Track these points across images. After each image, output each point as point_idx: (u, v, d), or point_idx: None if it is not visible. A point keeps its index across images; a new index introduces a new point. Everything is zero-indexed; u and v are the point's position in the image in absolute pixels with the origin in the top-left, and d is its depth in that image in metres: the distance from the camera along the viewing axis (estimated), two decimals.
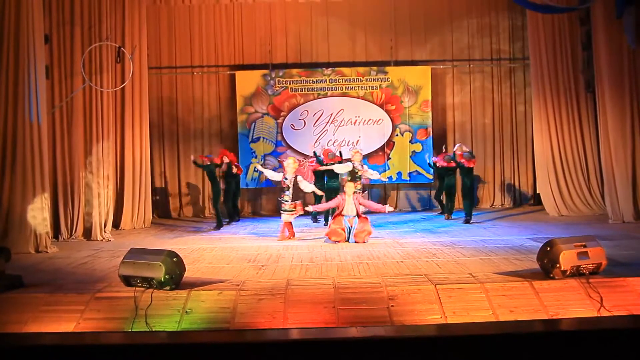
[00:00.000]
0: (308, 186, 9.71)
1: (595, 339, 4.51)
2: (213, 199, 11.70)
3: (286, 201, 9.41)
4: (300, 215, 9.63)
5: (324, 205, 10.17)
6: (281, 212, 9.52)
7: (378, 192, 14.18)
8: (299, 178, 9.60)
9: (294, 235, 9.51)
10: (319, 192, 9.95)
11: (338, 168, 10.82)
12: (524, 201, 14.16)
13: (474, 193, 11.54)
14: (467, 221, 10.91)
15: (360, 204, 9.18)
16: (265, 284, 6.05)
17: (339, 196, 9.29)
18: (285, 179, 9.47)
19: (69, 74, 10.26)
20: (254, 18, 13.98)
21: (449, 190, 11.64)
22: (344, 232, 8.95)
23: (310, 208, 9.73)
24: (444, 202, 12.08)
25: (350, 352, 4.44)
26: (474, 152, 13.28)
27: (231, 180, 11.72)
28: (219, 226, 11.16)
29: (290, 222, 9.52)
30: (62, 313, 5.46)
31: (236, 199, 12.28)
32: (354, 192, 9.30)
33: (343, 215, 9.01)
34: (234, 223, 11.96)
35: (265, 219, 12.87)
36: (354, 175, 10.34)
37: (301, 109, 13.84)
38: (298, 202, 9.53)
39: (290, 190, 9.43)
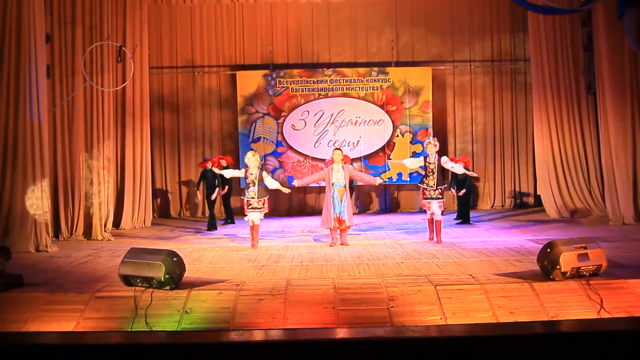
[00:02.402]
0: (273, 183, 8.86)
1: (595, 341, 4.51)
2: (211, 202, 11.43)
3: (252, 198, 8.63)
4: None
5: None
6: (248, 210, 8.67)
7: (377, 192, 14.19)
8: (264, 173, 8.81)
9: (257, 243, 8.80)
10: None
11: (409, 162, 9.69)
12: (525, 202, 14.16)
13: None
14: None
15: (351, 176, 8.97)
16: (265, 284, 6.04)
17: (324, 168, 9.08)
18: (251, 174, 8.69)
19: (70, 73, 10.27)
20: (255, 18, 14.00)
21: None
22: (335, 221, 8.65)
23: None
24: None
25: (350, 352, 4.44)
26: (474, 153, 13.31)
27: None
28: (213, 227, 11.12)
29: (258, 227, 8.81)
30: (62, 312, 5.46)
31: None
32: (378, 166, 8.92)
33: (333, 185, 8.69)
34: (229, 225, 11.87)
35: (266, 219, 12.83)
36: (427, 170, 8.94)
37: (302, 109, 13.84)
38: (266, 198, 8.77)
39: (256, 186, 8.63)
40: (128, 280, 5.90)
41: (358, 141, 13.79)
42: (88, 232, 10.19)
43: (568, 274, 5.77)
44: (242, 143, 13.77)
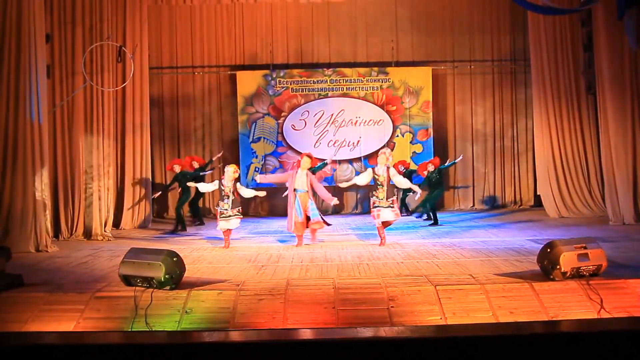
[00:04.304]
0: (248, 192, 9.05)
1: (595, 341, 4.51)
2: (178, 204, 11.43)
3: (225, 210, 8.70)
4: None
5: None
6: (220, 219, 8.73)
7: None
8: (238, 185, 8.89)
9: (229, 246, 8.84)
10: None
11: (359, 180, 9.07)
12: (525, 202, 14.15)
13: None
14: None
15: (311, 184, 8.74)
16: (265, 284, 6.05)
17: (290, 170, 8.96)
18: (225, 186, 8.74)
19: (70, 73, 10.27)
20: (255, 18, 13.98)
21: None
22: (302, 225, 8.67)
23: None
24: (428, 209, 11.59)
25: (350, 352, 4.44)
26: (474, 153, 13.31)
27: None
28: (177, 229, 11.14)
29: (231, 231, 8.88)
30: (62, 312, 5.47)
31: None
32: (309, 169, 8.76)
33: (295, 191, 8.66)
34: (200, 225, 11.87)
35: (266, 220, 12.88)
36: (376, 183, 8.61)
37: (302, 110, 13.84)
38: (239, 208, 8.82)
39: (230, 199, 8.67)
40: (128, 280, 5.91)
41: (358, 141, 13.79)
42: (88, 232, 10.20)
43: (568, 274, 5.78)
44: (242, 143, 13.77)
